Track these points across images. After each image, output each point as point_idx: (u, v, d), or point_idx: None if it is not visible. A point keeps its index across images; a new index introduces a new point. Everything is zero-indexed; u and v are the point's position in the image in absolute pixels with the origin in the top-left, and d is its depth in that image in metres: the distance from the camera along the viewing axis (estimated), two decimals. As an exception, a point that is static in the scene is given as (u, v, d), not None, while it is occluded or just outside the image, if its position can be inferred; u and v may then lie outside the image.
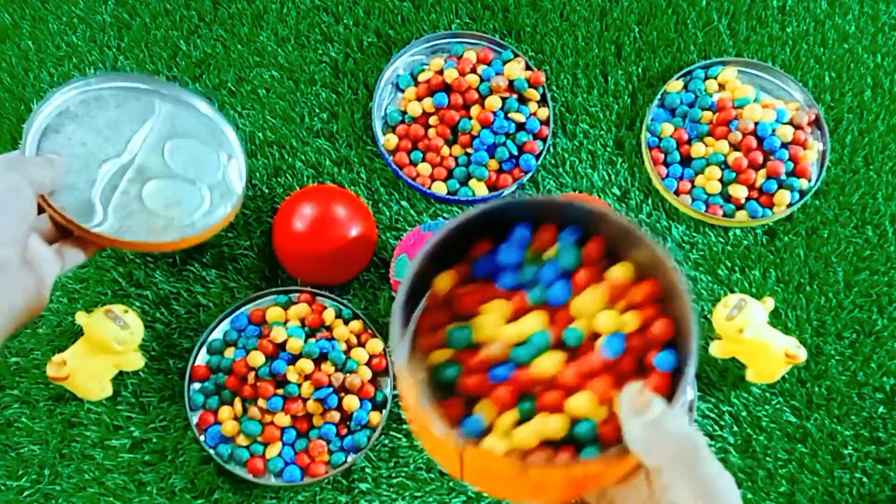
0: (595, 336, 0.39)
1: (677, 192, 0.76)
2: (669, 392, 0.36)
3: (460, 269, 0.41)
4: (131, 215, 0.60)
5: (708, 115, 0.77)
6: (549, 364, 0.38)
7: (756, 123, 0.75)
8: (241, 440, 0.68)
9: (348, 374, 0.68)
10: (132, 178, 0.62)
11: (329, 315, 0.70)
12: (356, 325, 0.70)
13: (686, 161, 0.77)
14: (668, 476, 0.32)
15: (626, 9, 0.81)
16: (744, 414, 0.72)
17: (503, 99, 0.76)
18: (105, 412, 0.69)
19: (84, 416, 0.69)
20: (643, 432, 0.33)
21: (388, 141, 0.76)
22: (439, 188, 0.75)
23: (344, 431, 0.68)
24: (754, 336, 0.66)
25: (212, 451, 0.67)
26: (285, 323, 0.70)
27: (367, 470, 0.69)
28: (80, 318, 0.64)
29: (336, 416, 0.68)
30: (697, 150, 0.76)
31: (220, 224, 0.64)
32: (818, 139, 0.77)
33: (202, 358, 0.70)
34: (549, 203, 0.40)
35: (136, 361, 0.68)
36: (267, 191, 0.75)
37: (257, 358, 0.68)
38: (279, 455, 0.67)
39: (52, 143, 0.60)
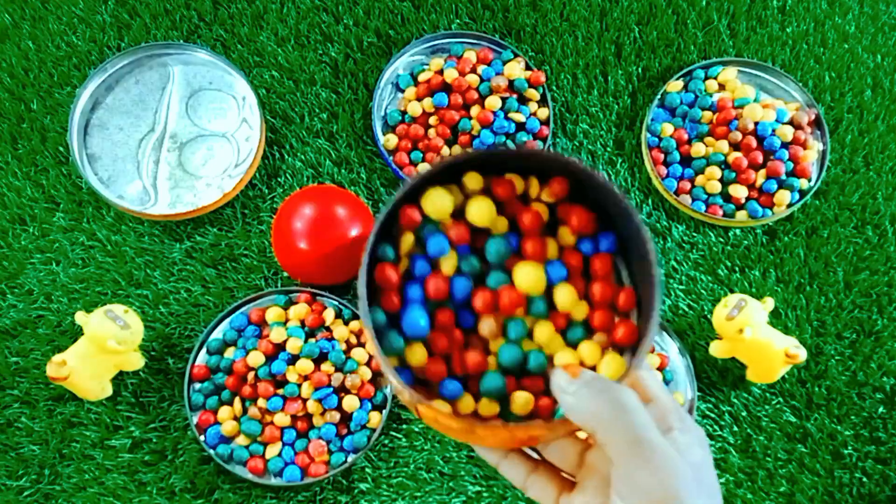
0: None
1: (677, 192, 0.76)
2: (633, 344, 0.39)
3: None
4: (178, 184, 0.70)
5: (708, 114, 0.77)
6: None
7: (756, 123, 0.75)
8: (241, 440, 0.68)
9: (348, 374, 0.68)
10: (169, 148, 0.71)
11: (329, 315, 0.70)
12: (356, 325, 0.70)
13: (686, 161, 0.77)
14: (603, 435, 0.35)
15: (626, 9, 0.81)
16: (744, 414, 0.72)
17: (503, 99, 0.76)
18: (105, 412, 0.69)
19: (84, 416, 0.69)
20: (574, 400, 0.35)
21: (388, 141, 0.76)
22: (439, 188, 0.75)
23: (344, 431, 0.68)
24: (754, 336, 0.66)
25: (212, 451, 0.67)
26: (285, 323, 0.70)
27: (367, 470, 0.69)
28: (80, 317, 0.64)
29: (336, 416, 0.68)
30: (697, 149, 0.76)
31: (253, 165, 0.72)
32: (818, 139, 0.77)
33: (202, 358, 0.70)
34: (511, 155, 0.41)
35: (136, 361, 0.68)
36: (266, 191, 0.75)
37: (257, 358, 0.68)
38: (279, 455, 0.67)
39: (96, 139, 0.70)
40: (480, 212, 0.41)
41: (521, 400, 0.39)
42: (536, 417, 0.39)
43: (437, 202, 0.41)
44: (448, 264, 0.41)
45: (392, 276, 0.40)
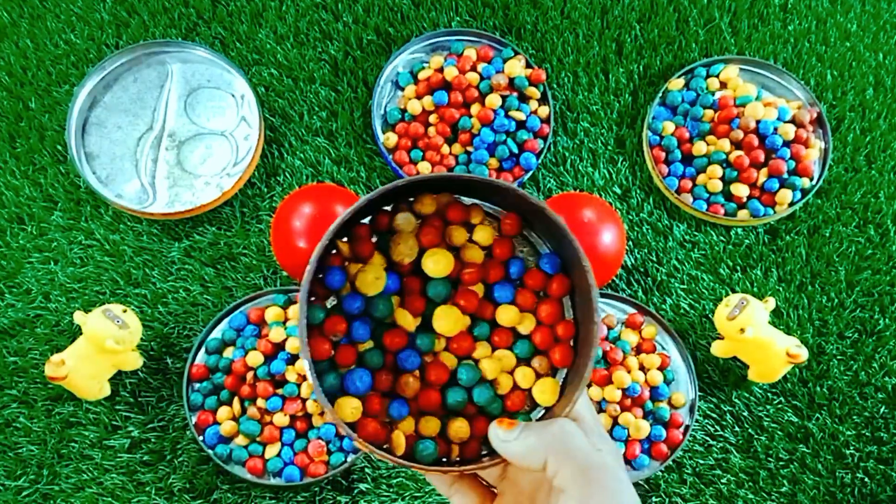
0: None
1: (679, 191, 0.76)
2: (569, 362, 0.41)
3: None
4: (176, 183, 0.70)
5: (709, 113, 0.77)
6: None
7: (758, 122, 0.75)
8: (240, 440, 0.67)
9: (348, 374, 0.68)
10: (168, 146, 0.71)
11: (328, 314, 0.69)
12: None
13: (687, 159, 0.77)
14: (553, 467, 0.35)
15: (627, 6, 0.81)
16: (745, 414, 0.71)
17: (503, 97, 0.75)
18: (103, 412, 0.69)
19: (82, 416, 0.69)
20: (519, 445, 0.37)
21: (387, 139, 0.75)
22: (439, 187, 0.75)
23: (343, 431, 0.68)
24: (756, 335, 0.66)
25: (210, 452, 0.67)
26: (284, 322, 0.70)
27: (367, 470, 0.69)
28: (79, 317, 0.64)
29: (335, 415, 0.67)
30: (699, 148, 0.76)
31: (252, 164, 0.72)
32: (820, 137, 0.77)
33: (201, 358, 0.70)
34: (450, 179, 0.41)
35: (135, 361, 0.68)
36: (265, 189, 0.75)
37: (256, 358, 0.67)
38: (278, 455, 0.67)
39: (94, 138, 0.70)
40: (437, 265, 0.41)
41: (459, 427, 0.40)
42: (472, 438, 0.40)
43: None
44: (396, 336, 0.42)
45: (326, 350, 0.40)
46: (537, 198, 0.40)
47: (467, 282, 0.42)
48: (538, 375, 0.41)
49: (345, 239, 0.42)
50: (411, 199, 0.43)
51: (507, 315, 0.42)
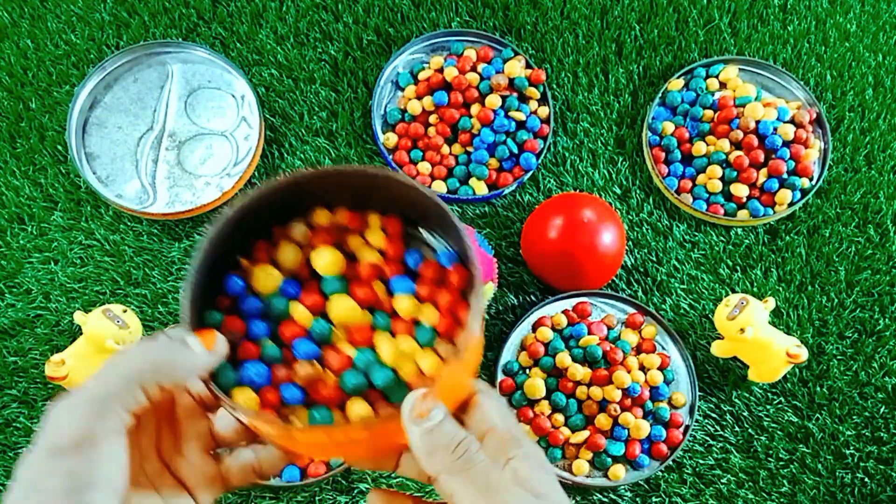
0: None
1: (678, 191, 0.76)
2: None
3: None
4: (177, 183, 0.69)
5: (709, 113, 0.77)
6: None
7: (757, 122, 0.75)
8: (241, 440, 0.67)
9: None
10: (168, 146, 0.71)
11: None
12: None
13: (687, 159, 0.77)
14: (447, 483, 0.33)
15: (627, 7, 0.81)
16: (745, 414, 0.71)
17: (503, 97, 0.75)
18: (103, 412, 0.69)
19: (82, 416, 0.68)
20: (421, 441, 0.33)
21: (387, 139, 0.76)
22: (439, 187, 0.75)
23: (343, 431, 0.68)
24: (756, 335, 0.66)
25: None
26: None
27: (367, 470, 0.69)
28: (79, 317, 0.64)
29: (335, 415, 0.67)
30: (699, 148, 0.76)
31: (252, 164, 0.73)
32: (820, 138, 0.77)
33: (201, 357, 0.70)
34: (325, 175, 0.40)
35: (135, 361, 0.68)
36: (266, 190, 0.75)
37: (256, 357, 0.67)
38: (278, 455, 0.67)
39: (94, 138, 0.70)
40: (325, 261, 0.41)
41: (357, 410, 0.38)
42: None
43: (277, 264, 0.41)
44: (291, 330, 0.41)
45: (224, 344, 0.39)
46: (414, 182, 0.39)
47: (364, 277, 0.41)
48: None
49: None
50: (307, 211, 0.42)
51: (404, 304, 0.40)
